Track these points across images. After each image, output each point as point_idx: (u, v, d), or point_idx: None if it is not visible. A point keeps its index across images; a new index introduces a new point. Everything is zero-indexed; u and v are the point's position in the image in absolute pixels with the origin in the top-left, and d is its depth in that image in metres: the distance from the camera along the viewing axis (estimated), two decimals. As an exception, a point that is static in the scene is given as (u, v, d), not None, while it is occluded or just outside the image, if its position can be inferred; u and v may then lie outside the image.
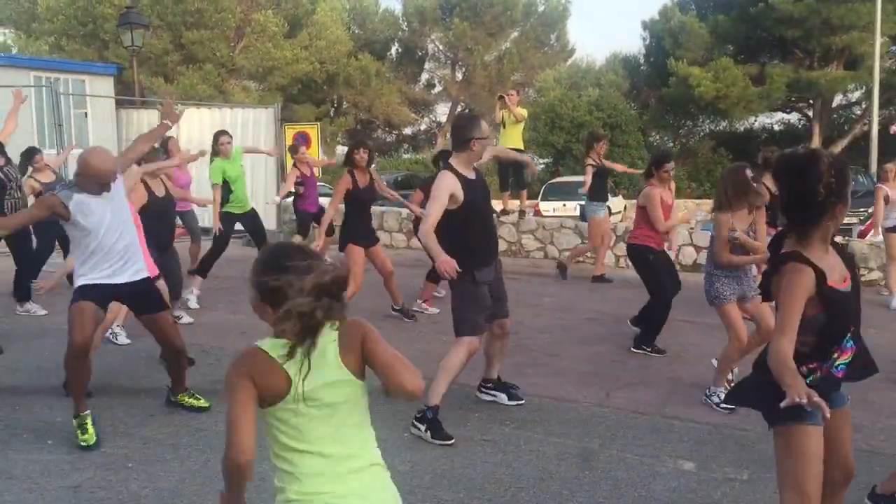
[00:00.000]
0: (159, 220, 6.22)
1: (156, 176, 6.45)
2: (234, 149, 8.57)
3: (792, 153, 2.84)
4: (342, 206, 7.45)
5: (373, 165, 7.82)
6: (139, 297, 4.78)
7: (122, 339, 6.66)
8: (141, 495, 3.90)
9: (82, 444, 4.43)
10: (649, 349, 6.69)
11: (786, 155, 2.87)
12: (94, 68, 14.82)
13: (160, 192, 6.41)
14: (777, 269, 2.77)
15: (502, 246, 11.01)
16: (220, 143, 8.37)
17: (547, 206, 19.25)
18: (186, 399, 5.13)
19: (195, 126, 13.67)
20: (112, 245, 4.53)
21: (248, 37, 29.55)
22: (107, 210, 4.51)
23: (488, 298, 4.88)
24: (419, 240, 4.85)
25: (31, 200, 7.80)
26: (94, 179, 4.42)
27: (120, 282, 4.60)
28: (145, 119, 14.42)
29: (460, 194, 4.66)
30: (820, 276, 2.69)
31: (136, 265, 4.71)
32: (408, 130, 39.46)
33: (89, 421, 4.52)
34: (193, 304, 8.13)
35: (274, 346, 2.03)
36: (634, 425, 5.00)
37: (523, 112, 11.36)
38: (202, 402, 5.11)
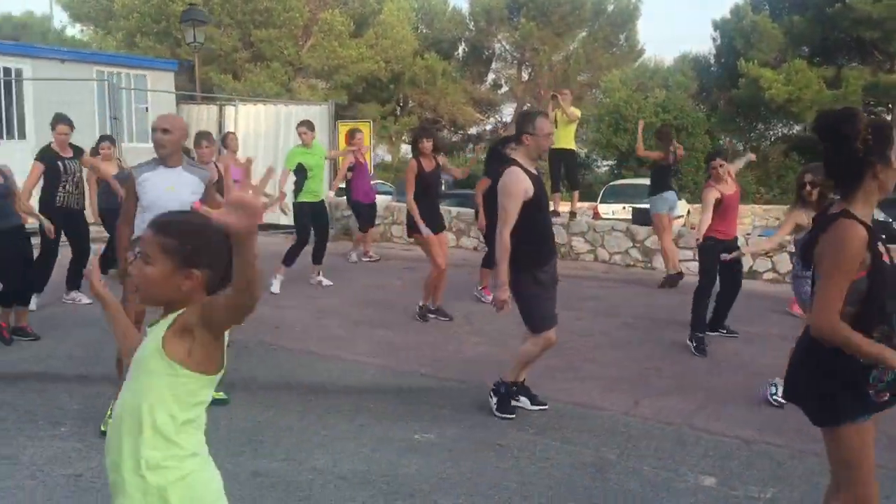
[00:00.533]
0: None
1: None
2: (315, 141, 8.83)
3: (828, 111, 2.79)
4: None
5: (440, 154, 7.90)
6: None
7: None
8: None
9: None
10: (694, 344, 6.65)
11: (823, 113, 2.77)
12: (156, 64, 15.13)
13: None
14: (823, 229, 2.62)
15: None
16: (299, 132, 8.75)
17: (606, 209, 18.88)
18: None
19: (251, 121, 13.85)
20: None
21: (315, 35, 29.87)
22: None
23: (552, 288, 4.89)
24: (485, 236, 4.94)
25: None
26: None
27: None
28: (205, 114, 14.66)
29: (531, 189, 4.70)
30: (870, 233, 2.57)
31: None
32: (473, 130, 39.35)
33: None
34: (276, 288, 8.45)
35: None
36: (658, 436, 4.78)
37: (576, 111, 11.13)
38: (220, 395, 5.07)
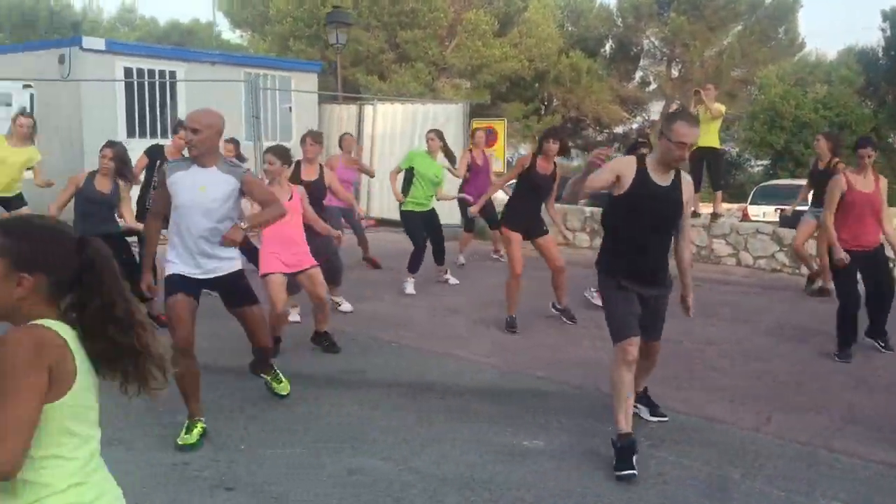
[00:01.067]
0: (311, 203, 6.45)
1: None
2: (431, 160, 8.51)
3: None
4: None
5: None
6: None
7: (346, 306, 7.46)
8: (241, 479, 3.90)
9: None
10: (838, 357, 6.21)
11: None
12: (300, 66, 15.63)
13: (311, 177, 6.85)
14: None
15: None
16: (427, 138, 8.64)
17: (756, 211, 17.89)
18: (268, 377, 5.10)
19: (389, 119, 14.04)
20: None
21: (460, 35, 30.03)
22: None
23: (635, 303, 4.36)
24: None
25: None
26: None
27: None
28: (345, 114, 15.00)
29: (627, 182, 4.21)
30: None
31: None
32: (619, 129, 38.44)
33: (200, 426, 4.43)
34: (410, 289, 8.37)
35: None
36: (790, 456, 4.38)
37: (721, 108, 10.54)
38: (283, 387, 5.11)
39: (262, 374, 5.07)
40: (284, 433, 4.53)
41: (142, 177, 7.38)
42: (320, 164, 7.22)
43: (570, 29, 35.68)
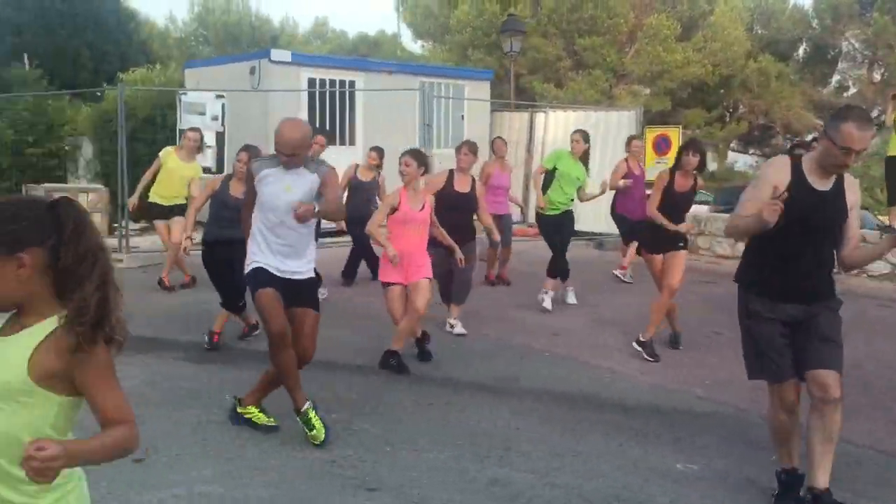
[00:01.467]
0: (456, 211, 6.54)
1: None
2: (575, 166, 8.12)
3: None
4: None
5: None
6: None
7: (459, 329, 6.95)
8: (384, 480, 3.96)
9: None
10: None
11: None
12: (474, 74, 15.79)
13: (464, 189, 6.77)
14: None
15: (880, 268, 9.41)
16: (572, 139, 8.24)
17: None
18: (255, 412, 4.59)
19: (560, 127, 13.91)
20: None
21: (640, 41, 29.34)
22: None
23: (783, 333, 3.75)
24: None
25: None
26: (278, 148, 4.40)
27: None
28: (516, 121, 15.02)
29: (781, 188, 3.54)
30: None
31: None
32: (809, 137, 36.09)
33: (312, 413, 4.39)
34: (547, 304, 7.99)
35: None
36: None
37: (919, 114, 9.60)
38: (271, 421, 4.60)
39: (245, 410, 4.58)
40: (431, 437, 4.56)
41: None
42: (473, 177, 7.03)
43: (759, 32, 33.94)
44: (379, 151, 8.78)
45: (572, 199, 8.19)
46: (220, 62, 15.29)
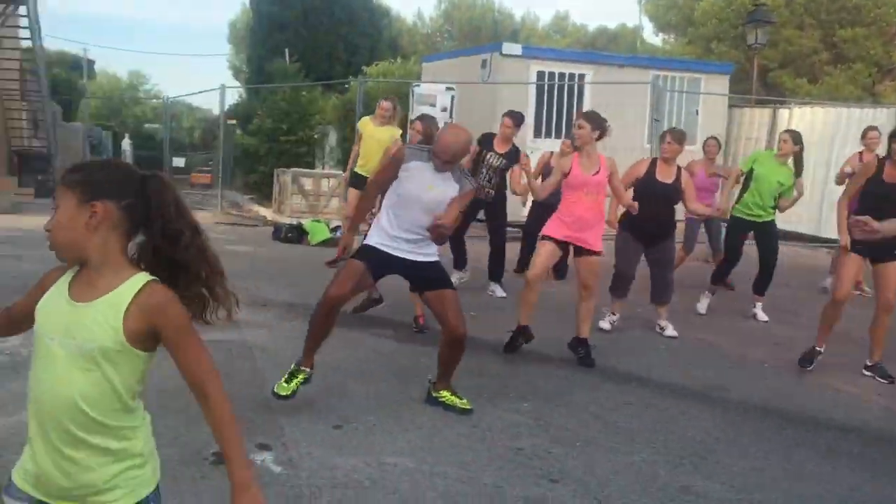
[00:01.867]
0: (655, 202, 6.30)
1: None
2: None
3: None
4: None
5: None
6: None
7: (670, 331, 6.71)
8: (569, 474, 3.91)
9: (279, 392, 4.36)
10: None
11: None
12: (711, 68, 15.03)
13: (666, 179, 6.48)
14: None
15: None
16: (780, 139, 7.54)
17: None
18: (448, 395, 4.66)
19: (806, 125, 12.91)
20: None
21: (911, 32, 26.53)
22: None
23: None
24: None
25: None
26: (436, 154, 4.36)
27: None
28: (756, 118, 14.16)
29: None
30: None
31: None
32: None
33: (301, 377, 4.41)
34: (702, 309, 7.61)
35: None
36: None
37: None
38: (464, 404, 4.64)
39: (438, 394, 4.67)
40: (626, 436, 4.44)
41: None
42: (679, 167, 6.64)
43: None
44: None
45: (773, 208, 7.33)
46: (454, 55, 15.79)
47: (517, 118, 7.74)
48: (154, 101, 48.43)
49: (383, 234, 4.47)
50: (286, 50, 23.32)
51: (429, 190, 4.39)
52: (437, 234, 4.34)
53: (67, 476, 1.79)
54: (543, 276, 5.73)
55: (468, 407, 4.62)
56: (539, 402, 4.89)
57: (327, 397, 4.71)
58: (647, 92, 12.51)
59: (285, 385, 4.36)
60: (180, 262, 1.83)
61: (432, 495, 3.55)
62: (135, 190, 1.81)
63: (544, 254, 5.70)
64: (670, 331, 6.69)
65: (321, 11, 25.68)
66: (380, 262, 4.43)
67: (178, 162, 35.50)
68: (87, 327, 1.77)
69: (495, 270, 8.06)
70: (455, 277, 7.97)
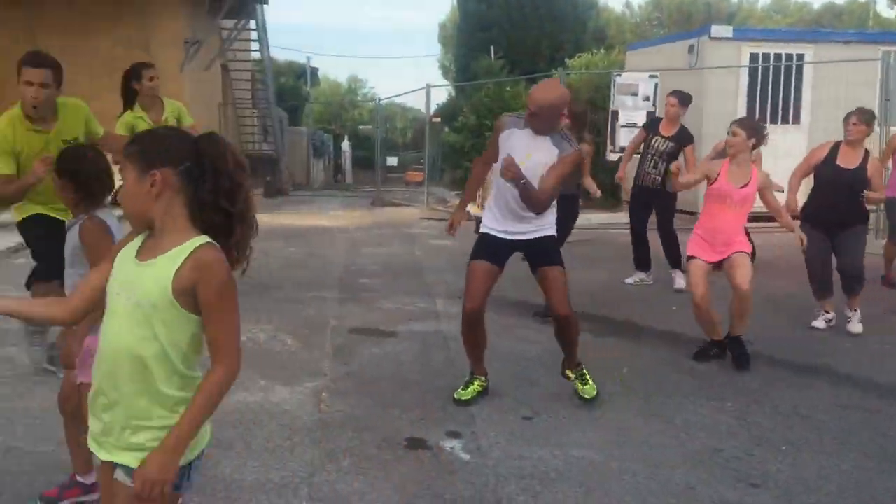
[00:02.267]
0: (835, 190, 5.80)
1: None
2: None
3: None
4: None
5: None
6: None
7: (855, 326, 6.09)
8: (770, 477, 3.67)
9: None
10: None
11: None
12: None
13: (849, 165, 5.85)
14: None
15: None
16: None
17: None
18: (571, 376, 4.57)
19: None
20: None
21: None
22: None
23: None
24: None
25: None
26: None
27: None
28: None
29: None
30: None
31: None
32: None
33: (477, 385, 4.49)
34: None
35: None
36: None
37: None
38: (586, 391, 4.50)
39: (564, 374, 4.61)
40: (840, 441, 4.10)
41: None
42: (866, 150, 5.94)
43: None
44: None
45: None
46: (659, 42, 15.27)
47: (683, 97, 7.32)
48: (370, 103, 50.88)
49: (492, 215, 4.47)
50: (491, 48, 23.65)
51: (527, 158, 4.23)
52: (508, 173, 4.12)
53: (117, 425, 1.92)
54: (708, 293, 5.21)
55: (587, 396, 4.49)
56: (741, 401, 4.64)
57: (519, 388, 4.74)
58: (876, 70, 11.42)
59: (463, 391, 4.46)
60: (237, 216, 1.91)
61: (619, 491, 3.47)
62: (190, 153, 1.89)
63: (699, 273, 5.19)
64: (855, 324, 6.06)
65: (524, 8, 25.77)
66: (497, 252, 4.41)
67: (392, 161, 36.97)
68: (143, 285, 1.88)
69: (671, 257, 7.59)
70: (634, 279, 7.78)
